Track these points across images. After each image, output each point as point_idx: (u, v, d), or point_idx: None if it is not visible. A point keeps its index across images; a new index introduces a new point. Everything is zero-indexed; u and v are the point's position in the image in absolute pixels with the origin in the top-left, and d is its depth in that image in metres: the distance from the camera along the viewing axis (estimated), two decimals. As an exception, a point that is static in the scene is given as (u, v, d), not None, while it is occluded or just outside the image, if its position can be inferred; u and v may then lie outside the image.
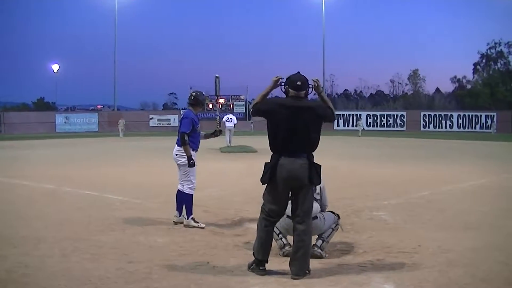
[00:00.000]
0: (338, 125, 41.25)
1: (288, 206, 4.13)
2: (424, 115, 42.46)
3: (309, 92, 4.08)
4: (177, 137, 5.82)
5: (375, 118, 43.50)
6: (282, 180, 3.94)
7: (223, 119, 19.48)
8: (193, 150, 5.73)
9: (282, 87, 4.09)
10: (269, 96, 4.23)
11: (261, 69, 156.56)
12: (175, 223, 5.83)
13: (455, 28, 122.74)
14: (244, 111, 43.63)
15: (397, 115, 43.51)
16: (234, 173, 11.37)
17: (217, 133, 6.26)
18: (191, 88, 31.87)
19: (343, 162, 13.58)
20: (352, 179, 10.18)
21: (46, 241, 5.00)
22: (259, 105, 4.10)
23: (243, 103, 44.72)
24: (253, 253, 4.05)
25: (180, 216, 5.86)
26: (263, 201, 4.10)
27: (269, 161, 4.03)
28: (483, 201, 7.51)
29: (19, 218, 6.15)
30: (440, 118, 41.62)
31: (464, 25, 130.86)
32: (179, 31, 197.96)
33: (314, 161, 4.03)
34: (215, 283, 3.77)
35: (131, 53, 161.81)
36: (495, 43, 57.47)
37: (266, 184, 4.05)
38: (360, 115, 42.43)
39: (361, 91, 75.46)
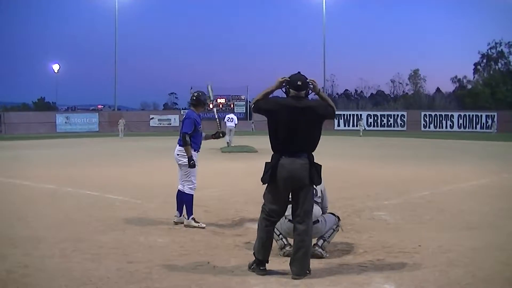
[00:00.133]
0: (338, 125, 41.33)
1: (288, 208, 4.12)
2: (425, 115, 42.50)
3: (310, 92, 4.08)
4: (179, 136, 5.81)
5: (375, 118, 43.54)
6: (283, 180, 3.94)
7: (224, 119, 19.42)
8: (194, 151, 5.72)
9: (283, 87, 4.09)
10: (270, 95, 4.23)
11: (262, 69, 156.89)
12: (176, 223, 5.83)
13: (455, 28, 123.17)
14: (244, 111, 43.68)
15: (397, 115, 43.56)
16: (235, 173, 11.35)
17: (218, 134, 6.20)
18: (191, 88, 31.98)
19: (343, 162, 13.58)
20: (352, 179, 10.17)
21: (46, 241, 5.00)
22: (261, 103, 4.09)
23: (244, 103, 44.74)
24: (254, 253, 4.05)
25: (180, 216, 5.85)
26: (263, 201, 4.10)
27: (269, 161, 4.04)
28: (484, 201, 7.49)
29: (20, 218, 6.15)
30: (441, 118, 41.68)
31: (464, 25, 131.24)
32: (179, 31, 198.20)
33: (314, 161, 4.03)
34: (215, 283, 3.77)
35: (132, 53, 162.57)
36: (496, 43, 57.69)
37: (266, 184, 4.05)
38: (361, 115, 42.43)
39: (361, 91, 75.69)
